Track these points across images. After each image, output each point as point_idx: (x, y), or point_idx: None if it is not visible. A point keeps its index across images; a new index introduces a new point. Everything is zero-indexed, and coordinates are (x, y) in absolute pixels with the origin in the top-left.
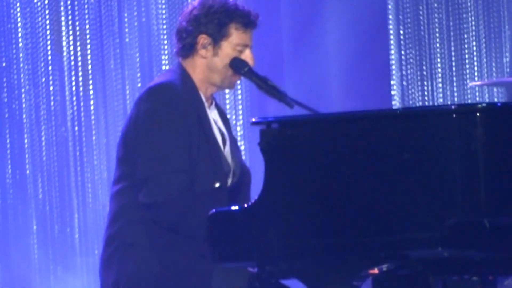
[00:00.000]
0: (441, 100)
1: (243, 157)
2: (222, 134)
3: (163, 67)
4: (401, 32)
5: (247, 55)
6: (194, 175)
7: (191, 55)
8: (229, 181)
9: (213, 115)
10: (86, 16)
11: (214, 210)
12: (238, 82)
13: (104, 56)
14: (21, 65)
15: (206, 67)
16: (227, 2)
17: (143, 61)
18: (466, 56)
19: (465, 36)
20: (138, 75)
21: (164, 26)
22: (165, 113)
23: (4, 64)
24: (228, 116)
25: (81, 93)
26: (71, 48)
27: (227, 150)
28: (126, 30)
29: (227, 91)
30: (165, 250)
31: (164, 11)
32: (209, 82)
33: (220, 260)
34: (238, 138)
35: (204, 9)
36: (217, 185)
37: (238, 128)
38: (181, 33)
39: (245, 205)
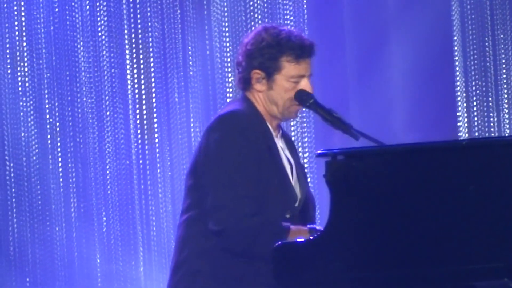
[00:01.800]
0: (507, 131)
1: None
2: (290, 162)
3: (227, 100)
4: (467, 63)
5: (303, 86)
6: (264, 204)
7: (248, 89)
8: (296, 208)
9: (280, 144)
10: (151, 50)
11: (279, 242)
12: (302, 112)
13: (169, 89)
14: (85, 98)
15: (264, 100)
16: (280, 34)
17: (207, 94)
18: None
19: None
20: (203, 107)
21: (228, 59)
22: (235, 141)
23: (69, 98)
24: None
25: (145, 126)
26: (135, 81)
27: (294, 178)
28: (190, 63)
29: (292, 123)
30: (232, 279)
31: (228, 44)
32: (270, 113)
33: None
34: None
35: (256, 43)
36: (288, 215)
37: (305, 160)
38: (238, 67)
39: (311, 237)
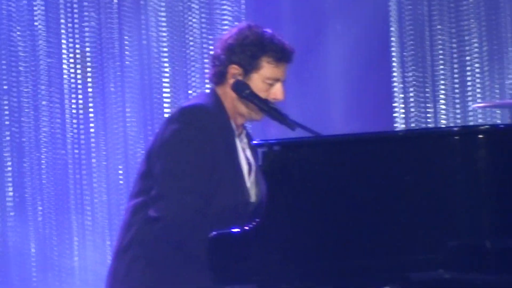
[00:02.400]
0: (443, 122)
1: None
2: (249, 163)
3: (164, 90)
4: (404, 54)
5: (277, 89)
6: (212, 200)
7: (222, 83)
8: (249, 210)
9: (242, 144)
10: (87, 39)
11: (214, 233)
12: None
13: (105, 79)
14: (21, 88)
15: (235, 97)
16: (264, 33)
17: (143, 83)
18: (469, 78)
19: (468, 58)
20: (138, 97)
21: (165, 49)
22: (192, 134)
23: (5, 87)
24: None
25: (81, 116)
26: (72, 71)
27: (252, 180)
28: (127, 53)
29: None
30: (174, 264)
31: (164, 34)
32: (238, 112)
33: (220, 283)
34: None
35: (239, 39)
36: (236, 216)
37: None
38: (214, 60)
39: (246, 228)
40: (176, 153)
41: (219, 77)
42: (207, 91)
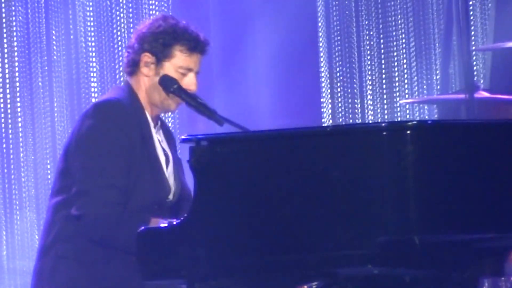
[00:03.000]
0: (371, 117)
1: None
2: (166, 154)
3: (91, 84)
4: (332, 49)
5: (190, 79)
6: (132, 194)
7: (135, 73)
8: (169, 201)
9: (158, 135)
10: (14, 34)
11: (143, 228)
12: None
13: (32, 74)
14: None
15: (148, 86)
16: (178, 23)
17: (71, 78)
18: (397, 73)
19: (395, 53)
20: (66, 92)
21: (93, 44)
22: (107, 130)
23: None
24: None
25: (9, 110)
26: None
27: (170, 171)
28: (54, 47)
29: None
30: (98, 262)
31: (92, 29)
32: (151, 101)
33: (149, 278)
34: None
35: (152, 28)
36: (156, 207)
37: None
38: (128, 50)
39: (174, 223)
40: (93, 148)
41: (132, 66)
42: (122, 84)
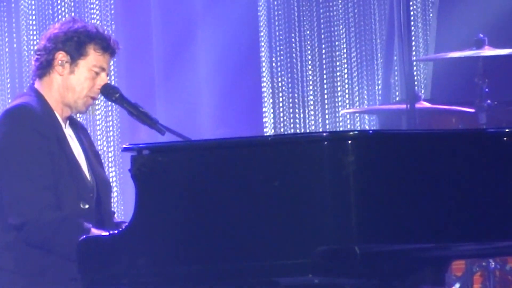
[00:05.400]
0: (313, 127)
1: (114, 183)
2: (83, 148)
3: None
4: (273, 59)
5: (102, 79)
6: (61, 196)
7: (47, 73)
8: (92, 196)
9: (69, 132)
10: None
11: (84, 237)
12: (107, 106)
13: None
14: None
15: (61, 86)
16: (88, 25)
17: (14, 86)
18: (338, 83)
19: (337, 63)
20: (9, 101)
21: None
22: (24, 134)
23: None
24: (99, 142)
25: None
26: None
27: (86, 165)
28: None
29: (98, 117)
30: (34, 273)
31: (35, 37)
32: (63, 102)
33: (91, 286)
34: (110, 164)
35: (64, 28)
36: (86, 206)
37: (110, 154)
38: (39, 52)
39: (116, 231)
40: (14, 154)
41: (45, 67)
42: (24, 90)
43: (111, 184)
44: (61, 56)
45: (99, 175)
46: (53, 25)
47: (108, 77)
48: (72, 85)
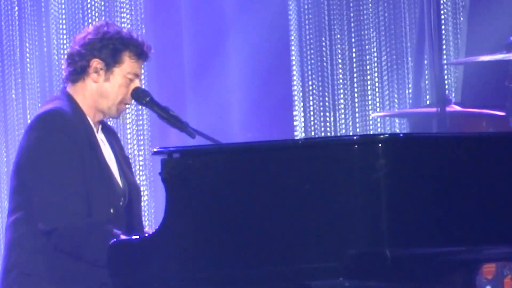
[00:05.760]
0: (343, 131)
1: (145, 187)
2: (115, 154)
3: None
4: (304, 63)
5: (136, 85)
6: (91, 202)
7: (81, 79)
8: (122, 202)
9: (101, 137)
10: None
11: (114, 240)
12: (138, 110)
13: (6, 86)
14: None
15: (96, 92)
16: (122, 30)
17: (44, 90)
18: (369, 87)
19: (368, 67)
20: (39, 105)
21: (66, 56)
22: (56, 139)
23: None
24: (130, 146)
25: None
26: None
27: (118, 171)
28: (28, 59)
29: (128, 120)
30: (64, 279)
31: (65, 41)
32: (97, 108)
33: None
34: (140, 168)
35: (99, 34)
36: (111, 210)
37: (140, 158)
38: (73, 57)
39: (146, 235)
40: (46, 160)
41: (79, 73)
42: (55, 94)
43: (141, 188)
44: (96, 64)
45: (129, 180)
46: (86, 29)
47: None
48: (107, 92)
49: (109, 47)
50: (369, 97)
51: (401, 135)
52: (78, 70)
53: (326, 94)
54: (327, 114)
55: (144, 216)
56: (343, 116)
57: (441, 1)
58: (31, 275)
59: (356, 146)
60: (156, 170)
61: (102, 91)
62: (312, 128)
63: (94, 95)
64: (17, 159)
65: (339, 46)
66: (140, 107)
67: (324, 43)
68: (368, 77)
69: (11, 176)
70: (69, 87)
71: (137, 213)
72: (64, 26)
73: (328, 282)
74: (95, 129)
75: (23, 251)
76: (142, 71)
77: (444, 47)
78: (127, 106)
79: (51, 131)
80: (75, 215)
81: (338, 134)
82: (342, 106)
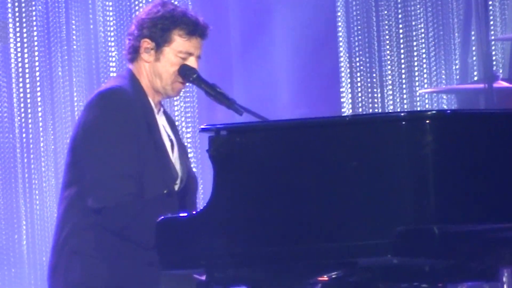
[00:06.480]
0: (391, 107)
1: (192, 164)
2: (170, 140)
3: (111, 74)
4: (351, 39)
5: (190, 63)
6: (143, 181)
7: (136, 59)
8: (177, 187)
9: (161, 121)
10: (34, 23)
11: (162, 217)
12: (185, 87)
13: (52, 63)
14: None
15: (149, 72)
16: (176, 9)
17: (90, 68)
18: (416, 63)
19: (415, 43)
20: (86, 81)
21: (112, 33)
22: (114, 118)
23: None
24: (177, 123)
25: (28, 100)
26: (19, 55)
27: (175, 156)
28: (74, 37)
29: (175, 98)
30: (112, 257)
31: (111, 18)
32: (153, 87)
33: (168, 267)
34: (188, 146)
35: (151, 13)
36: (165, 191)
37: (188, 135)
38: (128, 36)
39: (194, 212)
40: (102, 138)
41: (132, 53)
42: (122, 72)
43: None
44: (146, 44)
45: (187, 168)
46: (144, 8)
47: (199, 59)
48: (159, 71)
49: (158, 26)
50: (416, 74)
51: (448, 111)
52: (131, 49)
53: (374, 70)
54: (375, 90)
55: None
56: (390, 92)
57: None
58: (79, 252)
59: (403, 122)
60: (203, 147)
61: (155, 71)
62: (360, 104)
63: (149, 75)
64: (74, 135)
65: (386, 22)
66: (187, 84)
67: (371, 20)
68: (415, 53)
69: (67, 151)
70: (130, 66)
71: (192, 202)
72: (110, 3)
73: (376, 259)
74: (155, 110)
75: (72, 228)
76: (200, 50)
77: (491, 22)
78: (184, 84)
79: (109, 110)
80: (125, 195)
81: (386, 111)
82: (390, 82)
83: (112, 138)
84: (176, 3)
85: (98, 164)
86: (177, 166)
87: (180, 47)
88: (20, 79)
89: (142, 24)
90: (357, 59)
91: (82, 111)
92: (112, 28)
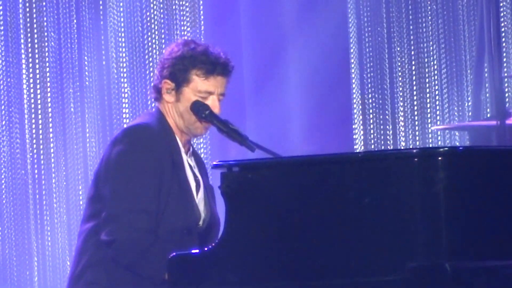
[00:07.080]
0: (403, 144)
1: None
2: (197, 180)
3: (123, 110)
4: (364, 75)
5: (211, 103)
6: (161, 218)
7: (160, 99)
8: (199, 227)
9: (189, 161)
10: (47, 59)
11: (174, 253)
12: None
13: (64, 99)
14: None
15: (172, 112)
16: (196, 48)
17: (103, 104)
18: (428, 100)
19: (427, 80)
20: (98, 118)
21: (124, 70)
22: (137, 154)
23: None
24: None
25: (41, 136)
26: (31, 90)
27: (200, 197)
28: (86, 73)
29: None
30: None
31: (124, 54)
32: (178, 127)
33: None
34: None
35: (172, 53)
36: (185, 232)
37: None
38: (154, 77)
39: (205, 249)
40: (123, 173)
41: (155, 93)
42: (151, 109)
43: None
44: (166, 85)
45: (211, 210)
46: (168, 46)
47: (222, 97)
48: (180, 112)
49: (177, 66)
50: (429, 110)
51: (461, 148)
52: (154, 90)
53: (386, 107)
54: (387, 127)
55: None
56: (402, 129)
57: (501, 14)
58: (94, 284)
59: (415, 159)
60: (216, 184)
61: (177, 111)
62: (372, 141)
63: (173, 115)
64: (97, 169)
65: (398, 59)
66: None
67: (383, 56)
68: (428, 90)
69: (90, 185)
70: (157, 104)
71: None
72: (123, 39)
73: None
74: (183, 150)
75: (88, 261)
76: (222, 88)
77: (504, 59)
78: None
79: (133, 146)
80: (136, 230)
81: (398, 147)
82: (402, 119)
83: (132, 173)
84: (189, 37)
85: (115, 197)
86: (201, 206)
87: (198, 87)
88: (33, 115)
89: (163, 64)
90: (370, 95)
91: (107, 146)
92: (124, 64)
